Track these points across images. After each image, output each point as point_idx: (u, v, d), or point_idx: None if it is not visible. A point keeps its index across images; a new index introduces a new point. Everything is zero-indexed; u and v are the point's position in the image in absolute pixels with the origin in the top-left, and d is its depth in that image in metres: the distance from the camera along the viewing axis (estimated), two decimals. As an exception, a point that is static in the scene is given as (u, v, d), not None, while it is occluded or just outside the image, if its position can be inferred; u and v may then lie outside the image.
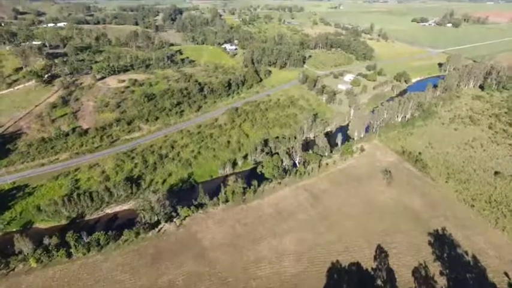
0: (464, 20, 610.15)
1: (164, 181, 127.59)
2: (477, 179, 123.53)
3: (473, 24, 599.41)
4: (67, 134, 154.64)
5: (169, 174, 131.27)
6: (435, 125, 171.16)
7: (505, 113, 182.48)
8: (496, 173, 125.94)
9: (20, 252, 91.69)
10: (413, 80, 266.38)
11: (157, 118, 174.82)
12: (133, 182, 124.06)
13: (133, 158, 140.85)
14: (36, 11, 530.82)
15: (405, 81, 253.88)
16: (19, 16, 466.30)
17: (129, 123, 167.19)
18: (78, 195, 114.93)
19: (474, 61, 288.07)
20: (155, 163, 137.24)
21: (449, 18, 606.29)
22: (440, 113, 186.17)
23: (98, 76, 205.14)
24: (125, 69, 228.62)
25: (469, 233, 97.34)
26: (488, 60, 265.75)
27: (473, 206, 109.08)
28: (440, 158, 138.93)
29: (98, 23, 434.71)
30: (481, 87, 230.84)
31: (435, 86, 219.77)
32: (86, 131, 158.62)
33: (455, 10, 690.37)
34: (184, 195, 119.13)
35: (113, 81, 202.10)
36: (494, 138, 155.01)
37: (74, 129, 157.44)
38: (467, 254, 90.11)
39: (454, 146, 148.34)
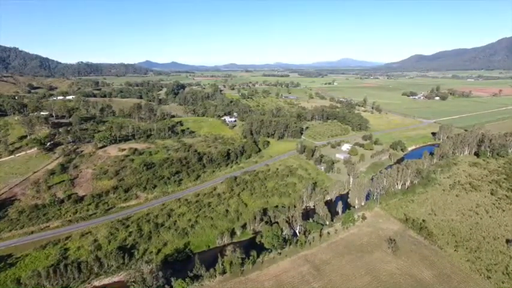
0: (450, 93, 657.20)
1: (159, 251, 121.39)
2: (488, 247, 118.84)
3: (458, 97, 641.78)
4: (62, 201, 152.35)
5: (165, 244, 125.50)
6: (436, 192, 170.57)
7: (505, 179, 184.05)
8: (507, 241, 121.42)
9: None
10: (409, 149, 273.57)
11: (155, 186, 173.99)
12: (126, 251, 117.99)
13: (128, 226, 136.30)
14: (49, 86, 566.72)
15: (401, 149, 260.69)
16: (32, 90, 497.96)
17: (126, 191, 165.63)
18: (66, 265, 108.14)
19: (465, 130, 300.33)
20: (150, 232, 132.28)
21: (437, 92, 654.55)
22: (439, 179, 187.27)
23: (100, 145, 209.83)
24: (126, 139, 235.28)
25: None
26: (478, 129, 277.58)
27: (490, 278, 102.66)
28: (445, 225, 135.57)
29: (105, 96, 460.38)
30: (476, 154, 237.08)
31: (431, 154, 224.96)
32: (81, 198, 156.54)
33: (440, 85, 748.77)
34: (180, 266, 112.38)
35: (113, 150, 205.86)
36: (499, 204, 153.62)
37: (69, 196, 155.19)
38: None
39: (458, 213, 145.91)
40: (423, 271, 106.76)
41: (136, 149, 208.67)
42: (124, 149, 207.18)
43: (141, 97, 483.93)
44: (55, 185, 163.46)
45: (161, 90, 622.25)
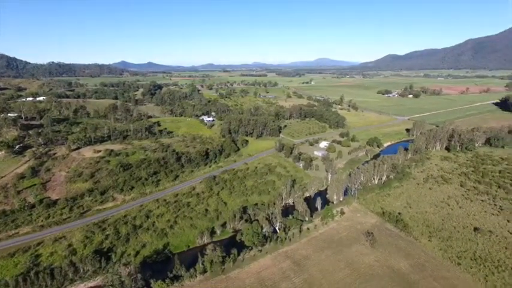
0: (423, 91, 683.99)
1: (137, 253, 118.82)
2: (458, 236, 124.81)
3: (430, 95, 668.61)
4: (33, 206, 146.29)
5: (143, 245, 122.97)
6: (411, 186, 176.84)
7: (472, 171, 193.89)
8: (475, 229, 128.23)
9: None
10: (385, 145, 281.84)
11: (132, 188, 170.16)
12: (103, 255, 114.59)
13: (104, 229, 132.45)
14: (17, 86, 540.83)
15: (377, 145, 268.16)
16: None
17: (102, 193, 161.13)
18: (37, 273, 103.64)
19: (437, 126, 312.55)
20: (128, 234, 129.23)
21: (410, 90, 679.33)
22: (414, 173, 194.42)
23: (74, 146, 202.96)
24: (102, 140, 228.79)
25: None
26: (448, 125, 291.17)
27: (460, 264, 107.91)
28: (420, 217, 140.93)
29: (79, 97, 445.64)
30: (447, 148, 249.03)
31: (406, 149, 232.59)
32: (54, 202, 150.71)
33: (413, 84, 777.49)
34: (159, 267, 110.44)
35: (88, 152, 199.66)
36: (467, 195, 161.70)
37: (41, 201, 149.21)
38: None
39: (431, 205, 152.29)
40: (400, 261, 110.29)
41: (112, 150, 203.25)
42: (99, 151, 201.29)
43: (116, 98, 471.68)
44: (25, 190, 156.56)
45: (137, 90, 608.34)
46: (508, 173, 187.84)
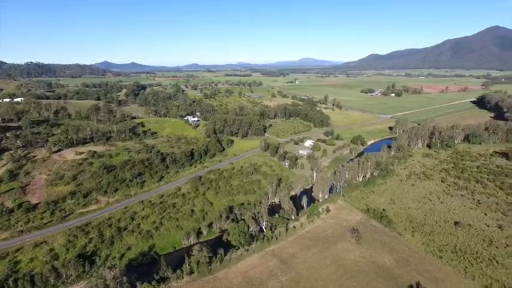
0: (405, 90, 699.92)
1: (122, 255, 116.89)
2: (440, 230, 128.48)
3: (412, 94, 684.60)
4: (11, 211, 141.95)
5: (129, 248, 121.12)
6: (394, 182, 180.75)
7: (452, 167, 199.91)
8: (455, 223, 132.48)
9: None
10: (369, 143, 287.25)
11: (116, 189, 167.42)
12: (87, 258, 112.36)
13: (88, 232, 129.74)
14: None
15: (361, 143, 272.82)
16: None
17: (85, 196, 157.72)
18: (16, 280, 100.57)
19: (418, 124, 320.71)
20: (113, 236, 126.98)
21: (392, 89, 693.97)
22: (397, 170, 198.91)
23: (54, 149, 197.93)
24: (84, 142, 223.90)
25: (442, 285, 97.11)
26: (429, 123, 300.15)
27: (441, 257, 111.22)
28: (403, 213, 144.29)
29: (59, 98, 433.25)
30: (428, 146, 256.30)
31: (389, 147, 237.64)
32: (34, 206, 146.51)
33: (395, 83, 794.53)
34: (145, 269, 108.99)
35: (70, 154, 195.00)
36: (448, 190, 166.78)
37: (20, 205, 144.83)
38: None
39: (414, 201, 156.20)
40: (384, 257, 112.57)
41: (95, 152, 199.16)
42: (82, 153, 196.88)
43: (99, 98, 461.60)
44: (3, 194, 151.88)
45: (121, 91, 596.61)
46: (485, 168, 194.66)
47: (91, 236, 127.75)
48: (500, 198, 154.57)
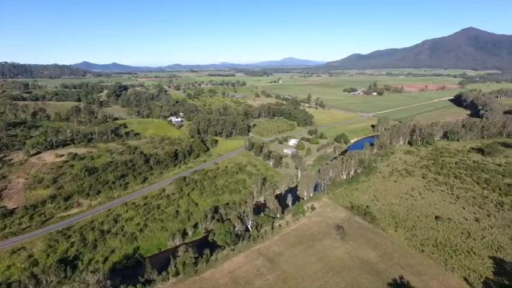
0: (386, 89, 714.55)
1: (106, 259, 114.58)
2: (422, 225, 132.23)
3: (393, 92, 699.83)
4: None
5: (112, 251, 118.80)
6: (377, 179, 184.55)
7: (433, 164, 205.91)
8: (436, 217, 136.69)
9: None
10: (352, 141, 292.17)
11: (99, 192, 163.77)
12: (69, 263, 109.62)
13: (69, 236, 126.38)
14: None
15: (345, 142, 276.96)
16: None
17: (66, 199, 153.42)
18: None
19: (400, 122, 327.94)
20: (96, 240, 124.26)
21: (374, 88, 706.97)
22: (380, 168, 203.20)
23: (33, 151, 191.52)
24: (65, 144, 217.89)
25: (424, 278, 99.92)
26: (410, 121, 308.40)
27: (423, 251, 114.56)
28: (386, 209, 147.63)
29: (37, 99, 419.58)
30: (409, 143, 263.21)
31: (372, 145, 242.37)
32: (11, 212, 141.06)
33: (377, 82, 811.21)
34: (130, 272, 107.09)
35: (49, 156, 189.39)
36: (429, 186, 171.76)
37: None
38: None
39: (396, 197, 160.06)
40: (369, 252, 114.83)
41: (76, 154, 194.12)
42: (62, 155, 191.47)
43: (79, 100, 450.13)
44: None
45: (102, 92, 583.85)
46: (463, 164, 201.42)
47: (73, 240, 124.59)
48: (477, 193, 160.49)
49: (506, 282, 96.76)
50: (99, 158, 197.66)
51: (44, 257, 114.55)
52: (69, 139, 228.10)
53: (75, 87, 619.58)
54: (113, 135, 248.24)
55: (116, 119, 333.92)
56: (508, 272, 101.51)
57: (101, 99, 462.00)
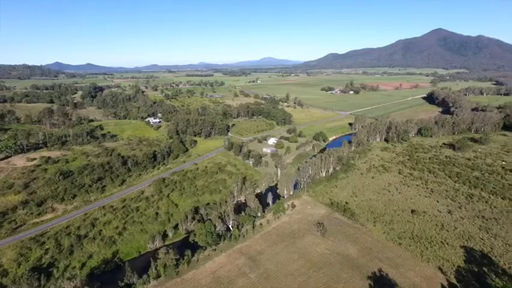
0: (362, 88, 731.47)
1: (83, 265, 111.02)
2: (399, 219, 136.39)
3: (369, 91, 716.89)
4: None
5: (90, 256, 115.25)
6: (355, 176, 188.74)
7: (408, 159, 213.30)
8: (412, 211, 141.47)
9: None
10: (330, 139, 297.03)
11: (74, 196, 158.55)
12: (43, 271, 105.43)
13: (43, 243, 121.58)
14: None
15: (323, 140, 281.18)
16: None
17: (39, 205, 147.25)
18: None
19: (376, 119, 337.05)
20: (72, 245, 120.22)
21: (351, 87, 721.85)
22: (358, 164, 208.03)
23: (1, 156, 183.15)
24: (37, 147, 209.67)
25: (402, 270, 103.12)
26: (386, 118, 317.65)
27: (401, 244, 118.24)
28: (365, 204, 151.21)
29: (5, 101, 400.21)
30: (386, 140, 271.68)
31: (350, 142, 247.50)
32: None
33: (353, 81, 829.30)
34: (109, 277, 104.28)
35: (20, 161, 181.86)
36: (405, 181, 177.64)
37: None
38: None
39: (374, 193, 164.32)
40: (349, 247, 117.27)
41: (49, 158, 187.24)
42: (34, 159, 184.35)
43: (52, 101, 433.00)
44: None
45: (76, 93, 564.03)
46: (436, 159, 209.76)
47: (47, 246, 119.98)
48: (449, 186, 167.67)
49: (476, 269, 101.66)
50: (74, 161, 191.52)
51: (14, 267, 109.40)
52: (41, 142, 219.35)
53: (47, 89, 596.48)
54: (88, 137, 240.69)
55: (92, 120, 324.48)
56: (477, 260, 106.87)
57: (75, 101, 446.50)
